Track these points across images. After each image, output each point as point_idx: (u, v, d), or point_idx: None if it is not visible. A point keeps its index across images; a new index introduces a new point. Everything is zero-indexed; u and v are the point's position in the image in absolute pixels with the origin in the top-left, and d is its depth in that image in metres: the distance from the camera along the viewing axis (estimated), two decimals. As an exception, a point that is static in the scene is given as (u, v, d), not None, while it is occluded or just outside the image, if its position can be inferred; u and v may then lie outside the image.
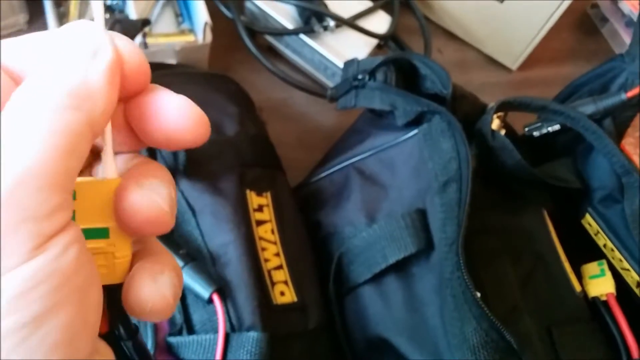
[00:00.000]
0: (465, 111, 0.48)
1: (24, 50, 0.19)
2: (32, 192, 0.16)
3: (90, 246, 0.18)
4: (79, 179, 0.19)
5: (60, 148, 0.16)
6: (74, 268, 0.17)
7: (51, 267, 0.16)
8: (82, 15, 0.60)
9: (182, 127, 0.20)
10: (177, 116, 0.20)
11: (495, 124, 0.49)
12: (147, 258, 0.21)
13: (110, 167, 0.20)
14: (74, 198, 0.18)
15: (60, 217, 0.17)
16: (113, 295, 0.20)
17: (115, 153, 0.20)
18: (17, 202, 0.15)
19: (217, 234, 0.42)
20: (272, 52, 0.66)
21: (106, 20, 0.46)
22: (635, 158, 0.54)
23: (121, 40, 0.19)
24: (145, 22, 0.50)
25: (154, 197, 0.19)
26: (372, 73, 0.49)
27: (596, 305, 0.49)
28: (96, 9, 0.20)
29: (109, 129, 0.20)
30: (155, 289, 0.20)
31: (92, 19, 0.20)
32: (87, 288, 0.17)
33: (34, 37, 0.19)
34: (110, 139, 0.20)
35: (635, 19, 0.67)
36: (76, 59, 0.18)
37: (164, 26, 0.62)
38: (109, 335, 0.20)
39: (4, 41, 0.19)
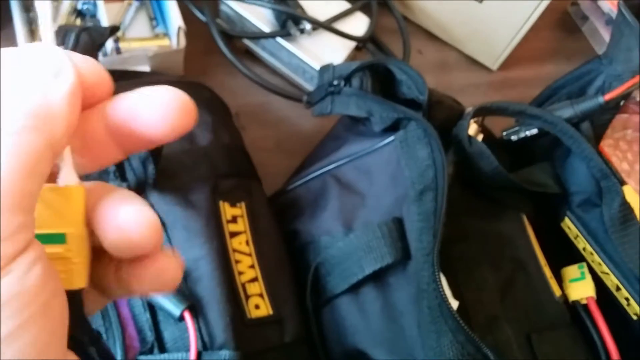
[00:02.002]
0: (442, 117, 0.48)
1: None
2: None
3: (48, 251, 0.18)
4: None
5: (20, 170, 0.16)
6: (39, 285, 0.17)
7: (16, 288, 0.16)
8: (52, 20, 0.59)
9: (162, 129, 0.20)
10: (160, 116, 0.20)
11: (473, 129, 0.49)
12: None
13: (69, 174, 0.20)
14: None
15: (22, 238, 0.17)
16: (72, 301, 0.19)
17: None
18: None
19: (189, 248, 0.41)
20: (249, 56, 0.65)
21: (73, 28, 0.45)
22: (613, 159, 0.54)
23: (79, 58, 0.19)
24: (114, 29, 0.49)
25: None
26: (347, 79, 0.49)
27: (576, 310, 0.49)
28: (45, 28, 0.20)
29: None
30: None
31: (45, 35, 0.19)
32: (53, 301, 0.17)
33: None
34: (68, 148, 0.20)
35: (614, 17, 0.67)
36: (37, 80, 0.18)
37: (138, 30, 0.60)
38: (72, 342, 0.20)
39: None
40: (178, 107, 0.20)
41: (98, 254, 0.21)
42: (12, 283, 0.16)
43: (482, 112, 0.48)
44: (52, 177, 0.21)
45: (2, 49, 0.19)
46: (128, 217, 0.19)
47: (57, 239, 0.19)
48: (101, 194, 0.20)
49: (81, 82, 0.19)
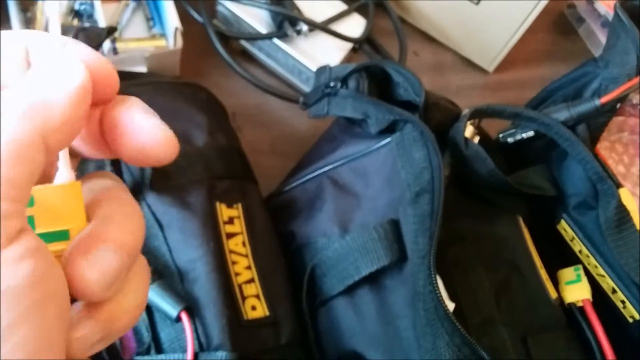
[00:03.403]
0: (438, 119, 0.48)
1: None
2: None
3: (52, 249, 0.18)
4: (37, 187, 0.19)
5: (9, 158, 0.16)
6: (29, 283, 0.16)
7: (5, 282, 0.16)
8: (49, 20, 0.58)
9: (153, 148, 0.20)
10: (150, 137, 0.20)
11: (469, 131, 0.49)
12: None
13: (66, 171, 0.20)
14: (32, 204, 0.19)
15: (10, 227, 0.16)
16: None
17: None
18: None
19: (185, 249, 0.41)
20: (246, 57, 0.65)
21: (70, 29, 0.45)
22: (610, 162, 0.54)
23: (88, 51, 0.20)
24: (111, 30, 0.49)
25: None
26: (344, 80, 0.49)
27: (572, 312, 0.49)
28: (53, 25, 0.21)
29: None
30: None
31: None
32: (49, 300, 0.17)
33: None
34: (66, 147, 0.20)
35: (610, 19, 0.67)
36: (47, 76, 0.18)
37: (135, 31, 0.60)
38: None
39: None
40: (169, 144, 0.20)
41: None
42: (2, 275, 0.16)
43: (478, 114, 0.48)
44: (50, 178, 0.21)
45: (20, 31, 0.19)
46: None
47: (61, 235, 0.19)
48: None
49: (90, 80, 0.19)
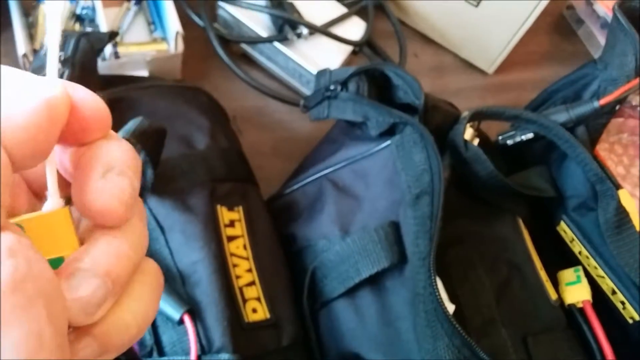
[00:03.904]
0: (438, 121, 0.48)
1: None
2: None
3: None
4: (26, 216, 0.19)
5: None
6: (10, 285, 0.15)
7: None
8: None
9: (96, 213, 0.19)
10: (97, 202, 0.19)
11: (469, 133, 0.49)
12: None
13: (54, 198, 0.20)
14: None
15: None
16: None
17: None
18: None
19: (187, 252, 0.41)
20: (247, 60, 0.65)
21: (72, 33, 0.45)
22: (609, 163, 0.54)
23: (76, 89, 0.19)
24: (113, 35, 0.50)
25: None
26: (344, 83, 0.49)
27: (572, 313, 0.49)
28: (51, 53, 0.20)
29: (52, 161, 0.20)
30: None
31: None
32: (34, 305, 0.16)
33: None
34: (54, 172, 0.20)
35: (609, 20, 0.67)
36: (16, 88, 0.18)
37: (137, 35, 0.61)
38: None
39: None
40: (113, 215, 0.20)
41: None
42: None
43: (477, 116, 0.48)
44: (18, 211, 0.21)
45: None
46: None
47: (56, 263, 0.19)
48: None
49: (66, 101, 0.18)
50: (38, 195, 0.22)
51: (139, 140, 0.34)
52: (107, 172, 0.19)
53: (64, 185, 0.21)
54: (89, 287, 0.18)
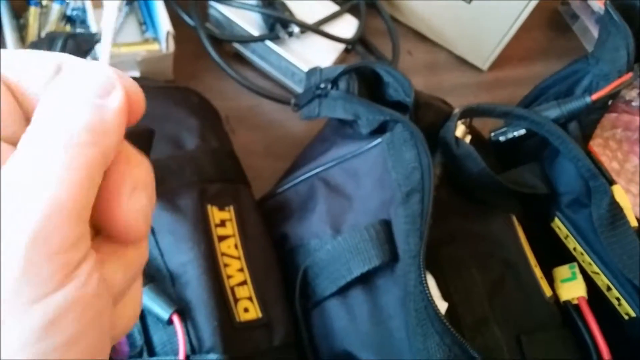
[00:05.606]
0: (430, 118, 0.48)
1: (22, 62, 0.20)
2: (59, 225, 0.17)
3: None
4: None
5: (82, 181, 0.17)
6: (96, 294, 0.18)
7: (78, 295, 0.17)
8: (42, 27, 0.59)
9: (121, 232, 0.20)
10: (123, 222, 0.20)
11: (460, 130, 0.49)
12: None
13: None
14: None
15: (83, 246, 0.18)
16: None
17: None
18: (46, 237, 0.16)
19: (176, 253, 0.41)
20: (239, 59, 0.65)
21: (61, 34, 0.45)
22: (603, 158, 0.54)
23: (124, 77, 0.20)
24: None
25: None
26: (334, 82, 0.49)
27: (568, 310, 0.49)
28: (104, 47, 0.21)
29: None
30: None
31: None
32: (105, 311, 0.18)
33: (32, 55, 0.20)
34: None
35: (604, 16, 0.67)
36: (91, 97, 0.19)
37: (128, 35, 0.60)
38: None
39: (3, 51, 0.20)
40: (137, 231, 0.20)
41: None
42: (74, 290, 0.17)
43: (468, 113, 0.48)
44: None
45: (65, 56, 0.20)
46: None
47: None
48: None
49: (127, 100, 0.19)
50: None
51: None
52: (135, 190, 0.20)
53: None
54: None
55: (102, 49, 0.21)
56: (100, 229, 0.20)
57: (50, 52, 0.20)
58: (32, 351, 0.16)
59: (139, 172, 0.20)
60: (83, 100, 0.18)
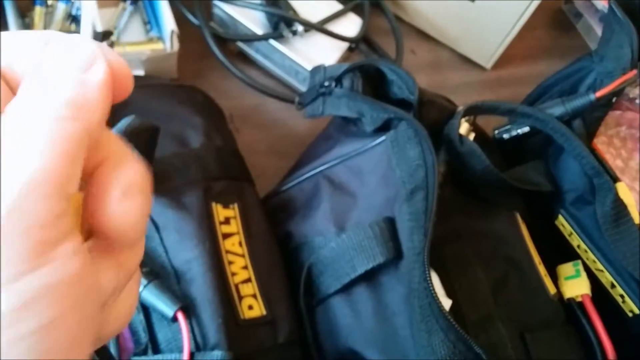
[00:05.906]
0: (434, 116, 0.48)
1: (11, 45, 0.19)
2: (39, 199, 0.16)
3: None
4: None
5: (62, 156, 0.17)
6: (77, 278, 0.17)
7: (56, 277, 0.16)
8: (47, 26, 0.59)
9: (116, 235, 0.19)
10: (115, 223, 0.19)
11: (464, 128, 0.49)
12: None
13: None
14: None
15: (64, 225, 0.17)
16: None
17: None
18: (23, 210, 0.16)
19: (181, 250, 0.41)
20: (243, 58, 0.65)
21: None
22: (607, 156, 0.54)
23: (108, 51, 0.20)
24: (107, 34, 0.50)
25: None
26: (338, 80, 0.49)
27: (572, 307, 0.49)
28: (85, 23, 0.20)
29: None
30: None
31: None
32: (87, 302, 0.17)
33: (20, 35, 0.19)
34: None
35: (608, 14, 0.67)
36: (73, 71, 0.18)
37: (133, 34, 0.61)
38: None
39: None
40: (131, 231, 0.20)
41: None
42: (53, 271, 0.16)
43: (472, 111, 0.48)
44: None
45: (44, 32, 0.19)
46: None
47: None
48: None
49: (111, 73, 0.19)
50: None
51: (130, 139, 0.34)
52: (126, 193, 0.19)
53: None
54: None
55: (83, 23, 0.20)
56: (93, 231, 0.20)
57: (38, 30, 0.20)
58: (5, 333, 0.15)
59: (130, 175, 0.19)
60: (64, 74, 0.18)
